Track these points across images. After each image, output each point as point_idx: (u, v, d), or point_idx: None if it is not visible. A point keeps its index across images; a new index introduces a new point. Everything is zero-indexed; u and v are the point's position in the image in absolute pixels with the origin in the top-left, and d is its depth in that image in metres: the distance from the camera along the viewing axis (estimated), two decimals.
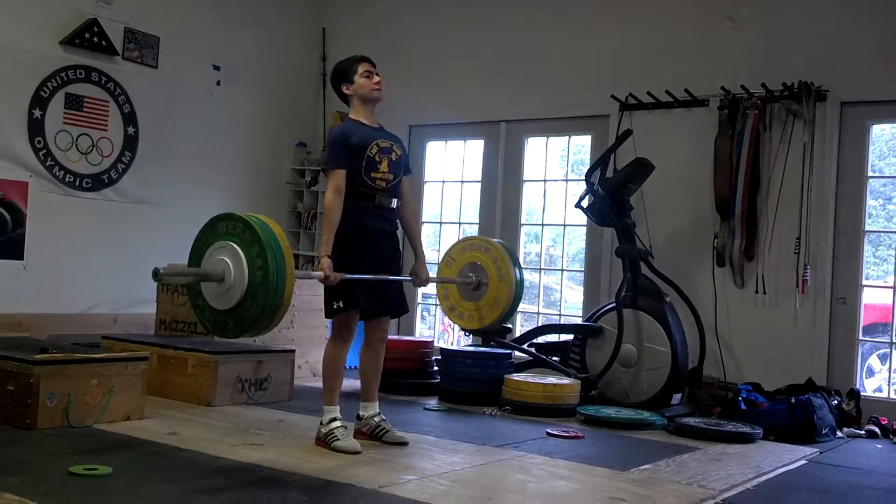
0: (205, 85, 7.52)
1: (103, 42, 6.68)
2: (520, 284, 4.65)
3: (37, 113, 6.40)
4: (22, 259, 6.32)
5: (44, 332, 6.05)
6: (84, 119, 6.67)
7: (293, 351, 5.66)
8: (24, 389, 4.13)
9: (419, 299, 7.76)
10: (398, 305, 4.31)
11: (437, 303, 4.94)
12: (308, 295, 6.11)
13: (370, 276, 4.09)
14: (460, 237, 7.76)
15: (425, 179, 7.90)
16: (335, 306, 4.04)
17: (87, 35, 6.60)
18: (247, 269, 3.48)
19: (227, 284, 3.50)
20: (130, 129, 6.97)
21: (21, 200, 6.33)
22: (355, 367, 5.32)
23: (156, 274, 3.44)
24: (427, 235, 7.90)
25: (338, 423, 4.07)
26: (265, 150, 8.10)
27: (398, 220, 4.33)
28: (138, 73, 6.99)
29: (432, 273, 5.09)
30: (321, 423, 4.11)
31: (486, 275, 4.67)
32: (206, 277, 3.55)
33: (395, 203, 4.23)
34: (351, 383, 4.85)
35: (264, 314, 3.47)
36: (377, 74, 4.25)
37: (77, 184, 6.66)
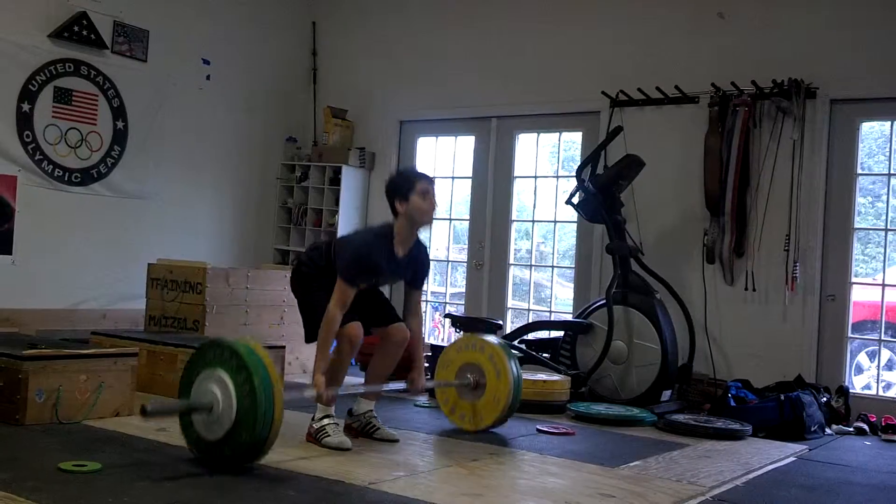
0: (194, 79, 7.49)
1: (92, 35, 6.64)
2: (518, 381, 4.64)
3: (25, 107, 6.37)
4: (10, 254, 6.28)
5: (32, 327, 6.03)
6: (73, 113, 6.64)
7: (283, 347, 5.65)
8: (13, 385, 4.11)
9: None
10: (390, 315, 4.29)
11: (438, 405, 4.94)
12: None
13: (359, 390, 4.18)
14: (450, 235, 7.77)
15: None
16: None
17: (75, 28, 6.56)
18: (235, 396, 3.40)
19: (216, 414, 3.43)
20: (120, 124, 6.94)
21: (9, 195, 6.29)
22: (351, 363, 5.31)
23: (144, 411, 3.39)
24: None
25: (329, 421, 4.06)
26: (255, 145, 8.08)
27: None
28: (127, 66, 6.96)
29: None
30: (312, 419, 4.10)
31: (482, 375, 4.64)
32: (194, 409, 3.51)
33: None
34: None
35: (255, 442, 3.39)
36: (434, 196, 4.09)
37: (66, 178, 6.62)
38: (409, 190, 4.02)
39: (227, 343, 3.55)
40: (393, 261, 4.06)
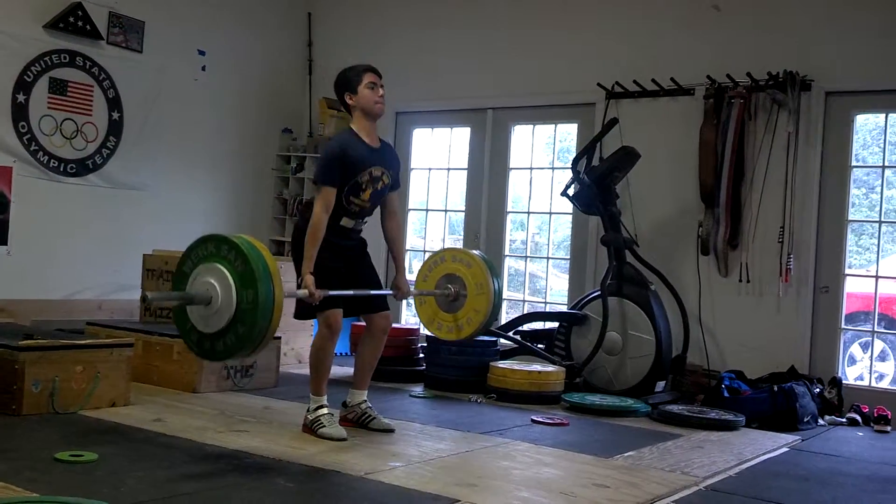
0: (190, 70, 7.48)
1: (87, 26, 6.63)
2: (498, 294, 4.71)
3: (20, 97, 6.36)
4: (6, 244, 6.28)
5: (27, 318, 6.03)
6: (68, 104, 6.63)
7: (279, 338, 5.65)
8: (9, 376, 4.12)
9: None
10: (379, 302, 4.30)
11: (415, 313, 5.01)
12: (293, 281, 6.10)
13: (353, 292, 4.10)
14: (445, 226, 7.78)
15: (412, 167, 7.89)
16: (313, 305, 4.02)
17: (71, 19, 6.54)
18: (235, 293, 3.40)
19: (214, 308, 3.43)
20: (115, 115, 6.93)
21: (5, 186, 6.29)
22: (343, 353, 5.33)
23: (144, 299, 3.40)
24: (413, 223, 7.90)
25: (324, 411, 4.08)
26: (251, 137, 8.08)
27: (382, 231, 4.34)
28: (123, 57, 6.94)
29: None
30: (308, 411, 4.12)
31: (464, 286, 4.72)
32: (192, 301, 3.50)
33: (361, 224, 4.23)
34: (336, 371, 4.86)
35: (253, 337, 3.40)
36: (381, 87, 4.16)
37: (61, 169, 6.62)
38: (357, 83, 4.11)
39: (227, 237, 3.54)
40: (370, 149, 4.11)
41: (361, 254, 4.31)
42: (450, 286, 4.74)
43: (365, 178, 4.08)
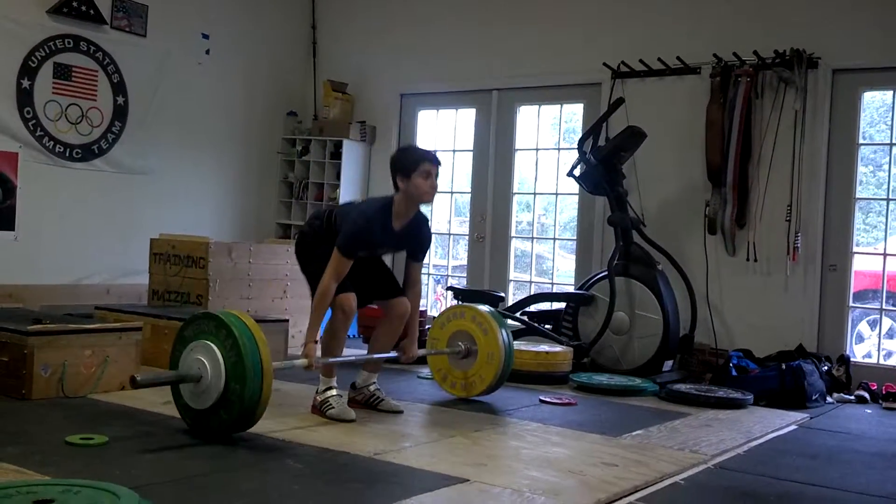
0: (194, 54, 7.46)
1: (91, 11, 6.61)
2: (509, 347, 4.70)
3: (25, 83, 6.35)
4: (13, 230, 6.29)
5: (36, 303, 6.04)
6: (73, 89, 6.62)
7: (286, 321, 5.68)
8: (19, 360, 4.14)
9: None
10: (392, 289, 4.31)
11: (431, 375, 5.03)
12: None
13: (350, 357, 4.24)
14: (451, 208, 7.77)
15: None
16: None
17: (74, 4, 6.52)
18: (222, 361, 3.44)
19: (206, 382, 3.47)
20: (120, 99, 6.92)
21: (11, 171, 6.29)
22: (352, 336, 5.34)
23: (133, 381, 3.42)
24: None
25: (333, 392, 4.09)
26: (256, 120, 8.06)
27: None
28: (127, 42, 6.93)
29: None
30: (317, 392, 4.13)
31: (473, 342, 4.71)
32: (183, 379, 3.53)
33: None
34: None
35: (247, 406, 3.41)
36: (437, 176, 4.10)
37: (67, 154, 6.62)
38: (412, 169, 4.01)
39: (212, 314, 3.59)
40: (389, 233, 4.09)
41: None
42: (460, 343, 4.73)
43: (378, 250, 4.22)
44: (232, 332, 3.45)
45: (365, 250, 4.09)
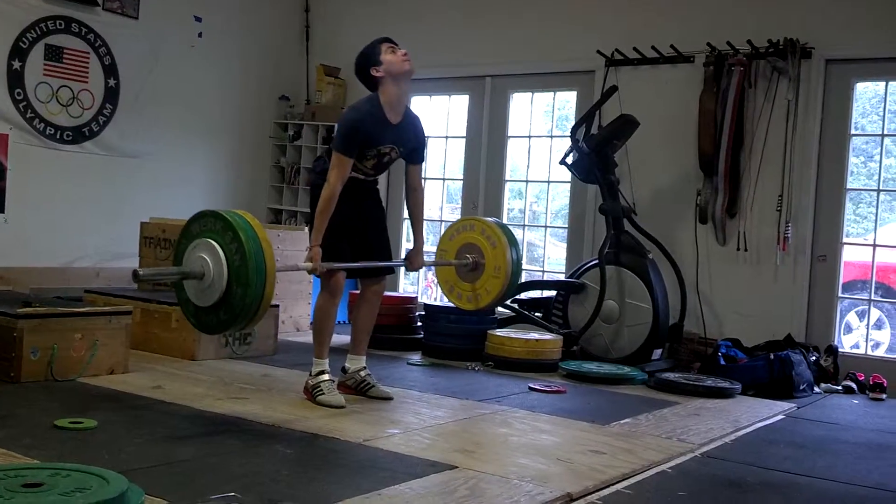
0: (186, 37, 7.42)
1: None
2: (517, 264, 4.70)
3: (16, 64, 6.31)
4: (3, 212, 6.27)
5: (25, 285, 6.03)
6: (64, 71, 6.58)
7: (277, 306, 5.65)
8: (8, 343, 4.13)
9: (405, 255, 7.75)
10: (377, 270, 4.31)
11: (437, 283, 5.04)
12: (291, 250, 6.12)
13: (359, 265, 4.14)
14: (443, 194, 7.77)
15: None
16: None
17: None
18: (224, 257, 3.41)
19: (209, 279, 3.45)
20: (111, 82, 6.89)
21: (1, 153, 6.26)
22: (345, 321, 5.35)
23: (135, 275, 3.40)
24: None
25: (325, 377, 4.10)
26: (248, 104, 8.03)
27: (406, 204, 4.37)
28: (119, 24, 6.89)
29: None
30: (310, 375, 4.14)
31: (482, 255, 4.72)
32: (186, 276, 3.51)
33: (372, 178, 4.27)
34: (337, 339, 4.87)
35: (251, 298, 3.39)
36: (402, 49, 4.15)
37: (58, 136, 6.59)
38: (377, 54, 4.10)
39: (212, 212, 3.56)
40: (387, 126, 4.08)
41: (376, 208, 4.34)
42: (468, 256, 4.74)
43: (372, 152, 4.10)
44: (238, 236, 3.41)
45: (365, 147, 4.04)
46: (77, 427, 3.33)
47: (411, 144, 4.25)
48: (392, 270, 4.38)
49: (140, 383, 4.28)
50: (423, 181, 4.51)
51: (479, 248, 4.72)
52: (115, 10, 6.86)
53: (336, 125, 4.16)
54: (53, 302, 4.71)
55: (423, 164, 4.46)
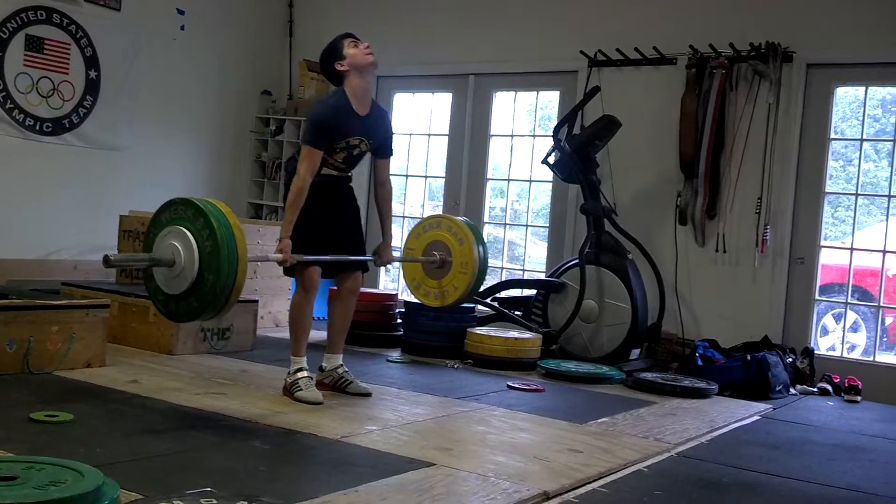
0: (168, 29, 7.38)
1: None
2: (483, 261, 4.72)
3: None
4: None
5: (2, 277, 5.98)
6: (45, 62, 6.53)
7: (256, 301, 5.65)
8: None
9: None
10: (357, 262, 4.32)
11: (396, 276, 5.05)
12: (272, 245, 6.09)
13: (330, 258, 4.14)
14: (425, 192, 7.76)
15: (392, 132, 7.84)
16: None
17: None
18: (195, 244, 3.40)
19: (179, 266, 3.44)
20: (92, 73, 6.84)
21: None
22: (323, 318, 5.34)
23: (106, 260, 3.39)
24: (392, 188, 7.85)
25: (303, 374, 4.09)
26: (230, 98, 8.00)
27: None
28: (100, 15, 6.84)
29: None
30: (288, 373, 4.13)
31: (449, 253, 4.74)
32: (157, 263, 3.50)
33: (346, 174, 4.27)
34: (313, 335, 4.87)
35: (222, 286, 3.38)
36: (363, 41, 4.19)
37: (37, 128, 6.53)
38: (340, 49, 4.15)
39: (182, 199, 3.56)
40: (354, 118, 4.11)
41: (351, 206, 4.34)
42: (435, 253, 4.76)
43: (341, 145, 4.11)
44: (210, 222, 3.41)
45: (334, 139, 4.06)
46: (53, 420, 3.31)
47: (380, 136, 4.28)
48: (365, 267, 4.38)
49: (117, 377, 4.26)
50: (390, 177, 4.53)
51: (446, 245, 4.75)
52: (97, 1, 6.80)
53: (304, 119, 4.17)
54: (30, 294, 4.67)
55: (391, 158, 4.48)
